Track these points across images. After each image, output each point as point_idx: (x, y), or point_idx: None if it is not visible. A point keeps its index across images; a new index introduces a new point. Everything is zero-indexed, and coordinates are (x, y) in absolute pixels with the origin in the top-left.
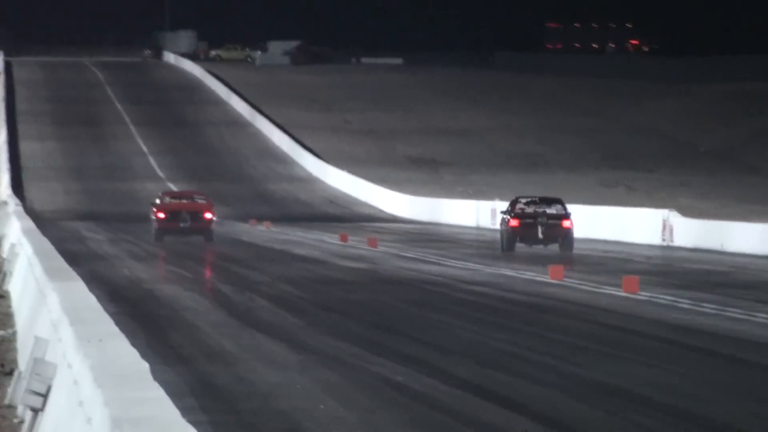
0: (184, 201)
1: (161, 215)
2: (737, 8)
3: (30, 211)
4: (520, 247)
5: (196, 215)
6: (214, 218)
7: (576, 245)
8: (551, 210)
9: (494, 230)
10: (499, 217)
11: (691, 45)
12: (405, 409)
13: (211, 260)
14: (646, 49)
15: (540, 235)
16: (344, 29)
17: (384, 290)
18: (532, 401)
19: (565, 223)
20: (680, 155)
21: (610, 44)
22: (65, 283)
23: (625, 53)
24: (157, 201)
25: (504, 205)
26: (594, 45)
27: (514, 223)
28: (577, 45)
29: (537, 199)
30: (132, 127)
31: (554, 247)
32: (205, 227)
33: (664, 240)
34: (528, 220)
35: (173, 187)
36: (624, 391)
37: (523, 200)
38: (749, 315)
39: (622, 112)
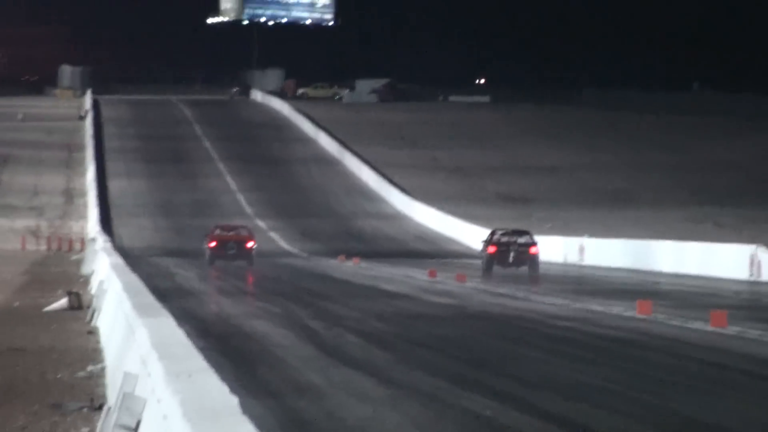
0: (231, 233)
1: (213, 244)
2: None
3: (119, 248)
4: (497, 269)
5: (241, 244)
6: (255, 246)
7: (663, 280)
8: (521, 240)
9: (582, 266)
10: (482, 246)
11: None
12: None
13: (300, 296)
14: (730, 85)
15: (510, 260)
16: (431, 67)
17: (472, 325)
18: None
19: (532, 250)
20: None
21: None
22: (154, 319)
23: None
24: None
25: (591, 241)
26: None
27: (491, 249)
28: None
29: (510, 231)
30: (220, 164)
31: (525, 270)
32: (247, 254)
33: (752, 275)
34: (502, 248)
35: (261, 224)
36: (713, 426)
37: (500, 232)
38: None
39: (709, 149)
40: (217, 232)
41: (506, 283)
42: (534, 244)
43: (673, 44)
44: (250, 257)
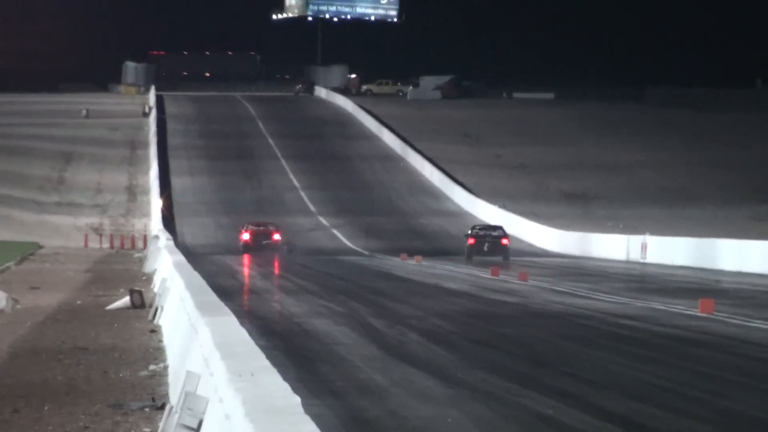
0: (261, 228)
1: (246, 236)
2: None
3: (181, 246)
4: (477, 259)
5: (270, 236)
6: (281, 239)
7: (725, 278)
8: (494, 233)
9: (644, 264)
10: (465, 238)
11: None
12: None
13: (362, 294)
14: None
15: (486, 249)
16: (496, 64)
17: (534, 324)
18: None
19: (503, 241)
20: None
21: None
22: (217, 318)
23: None
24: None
25: (654, 239)
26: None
27: (471, 241)
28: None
29: (486, 225)
30: (284, 162)
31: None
32: (275, 245)
33: None
34: (479, 239)
35: (324, 221)
36: None
37: (478, 227)
38: None
39: None
40: (250, 227)
41: (564, 281)
42: (505, 236)
43: (736, 41)
44: (278, 248)
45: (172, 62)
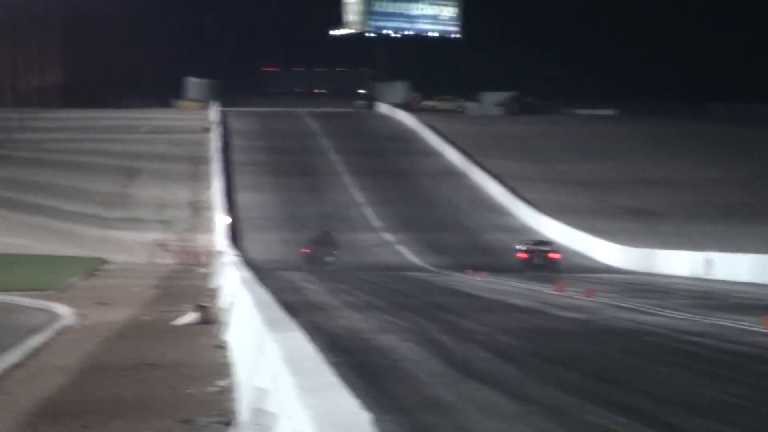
0: (320, 244)
1: (307, 250)
2: None
3: (247, 261)
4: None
5: (330, 252)
6: (336, 253)
7: None
8: (545, 248)
9: (709, 280)
10: (515, 252)
11: None
12: None
13: (428, 310)
14: None
15: (536, 262)
16: (557, 80)
17: (601, 340)
18: None
19: (553, 255)
20: None
21: None
22: (284, 334)
23: None
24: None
25: (717, 255)
26: None
27: (522, 255)
28: None
29: (537, 240)
30: (347, 177)
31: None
32: (332, 258)
33: None
34: (531, 254)
35: (390, 237)
36: None
37: (530, 241)
38: None
39: None
40: (311, 244)
41: (630, 297)
42: (555, 251)
43: None
44: (335, 261)
45: (282, 78)
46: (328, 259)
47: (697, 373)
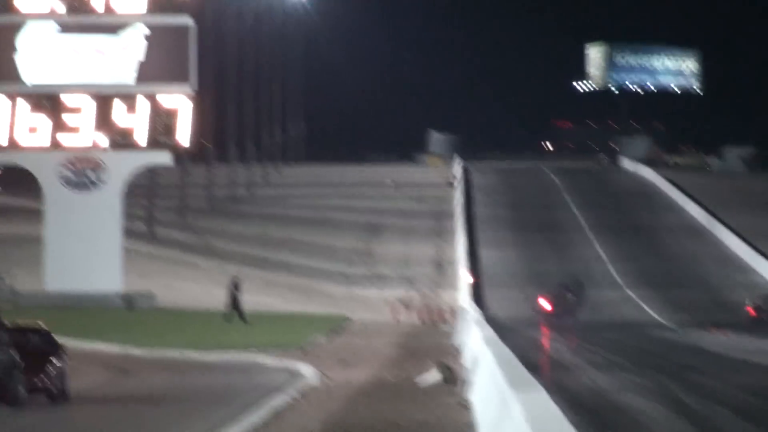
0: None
1: (547, 307)
2: None
3: (490, 319)
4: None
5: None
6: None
7: None
8: None
9: None
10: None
11: None
12: None
13: (671, 369)
14: None
15: (765, 318)
16: None
17: None
18: None
19: None
20: None
21: None
22: (528, 394)
23: None
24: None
25: None
26: None
27: (752, 312)
28: None
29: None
30: (590, 233)
31: None
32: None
33: None
34: (759, 311)
35: (632, 294)
36: None
37: (763, 296)
38: None
39: None
40: (546, 303)
41: None
42: None
43: None
44: (575, 315)
45: (578, 134)
46: (573, 307)
47: None
